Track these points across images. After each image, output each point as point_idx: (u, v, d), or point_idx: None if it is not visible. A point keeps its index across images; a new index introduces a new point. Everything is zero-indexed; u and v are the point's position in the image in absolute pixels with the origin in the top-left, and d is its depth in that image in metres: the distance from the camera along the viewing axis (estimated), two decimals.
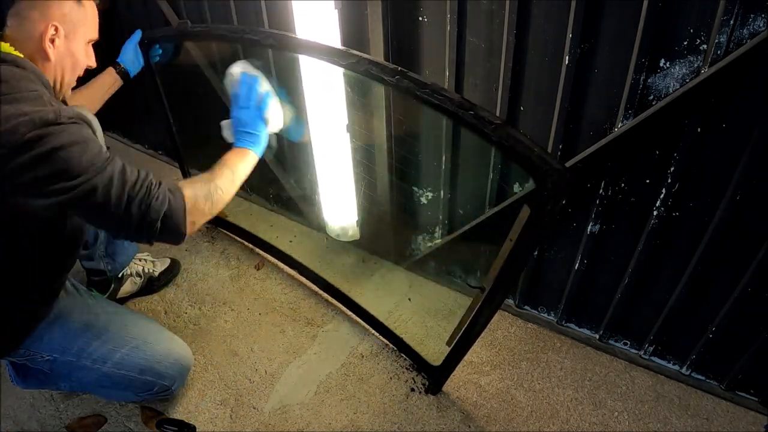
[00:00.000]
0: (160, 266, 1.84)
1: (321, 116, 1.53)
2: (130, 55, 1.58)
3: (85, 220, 1.04)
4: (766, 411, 1.37)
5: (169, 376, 1.35)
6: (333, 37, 1.37)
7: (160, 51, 1.67)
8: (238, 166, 1.21)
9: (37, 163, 0.89)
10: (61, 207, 0.94)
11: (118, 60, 1.58)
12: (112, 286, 1.73)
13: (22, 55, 1.02)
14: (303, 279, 1.85)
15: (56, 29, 1.08)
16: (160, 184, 1.03)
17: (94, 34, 1.20)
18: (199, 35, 1.52)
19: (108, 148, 1.08)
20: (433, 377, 1.48)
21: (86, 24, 1.16)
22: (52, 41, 1.08)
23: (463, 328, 1.29)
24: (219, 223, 2.11)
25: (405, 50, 1.38)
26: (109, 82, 1.57)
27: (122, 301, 1.78)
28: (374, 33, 1.35)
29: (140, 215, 0.97)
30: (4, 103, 0.91)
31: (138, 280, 1.78)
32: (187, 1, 1.87)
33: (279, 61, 1.71)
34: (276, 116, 1.33)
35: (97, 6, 1.21)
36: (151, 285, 1.82)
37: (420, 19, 1.31)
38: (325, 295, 1.79)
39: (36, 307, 1.18)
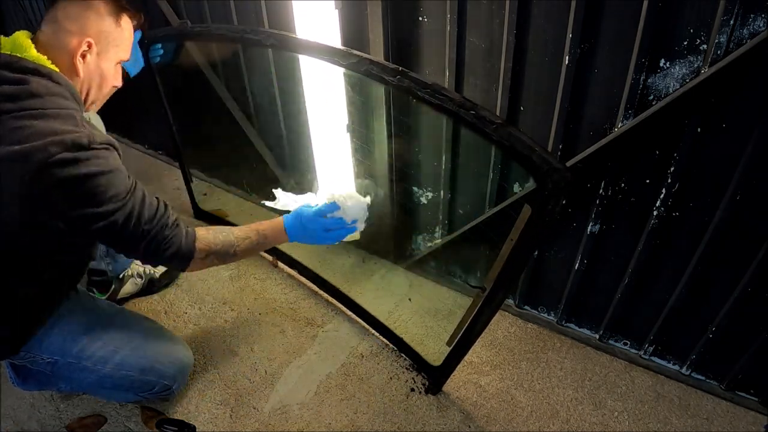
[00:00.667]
0: (161, 268, 1.84)
1: (321, 116, 1.53)
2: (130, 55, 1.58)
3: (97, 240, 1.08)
4: (766, 411, 1.37)
5: (170, 375, 1.35)
6: (333, 37, 1.37)
7: (161, 51, 1.66)
8: (268, 240, 1.22)
9: (63, 186, 0.90)
10: (78, 229, 0.96)
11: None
12: (113, 286, 1.73)
13: (56, 68, 0.99)
14: (303, 279, 1.85)
15: (89, 45, 1.05)
16: (176, 224, 1.07)
17: (126, 54, 1.16)
18: (199, 35, 1.52)
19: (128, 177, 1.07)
20: (434, 377, 1.48)
21: (120, 44, 1.13)
22: (84, 57, 1.05)
23: (464, 328, 1.29)
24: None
25: (405, 50, 1.38)
26: None
27: (122, 301, 1.78)
28: (374, 33, 1.35)
29: (150, 251, 1.04)
30: (36, 119, 0.90)
31: (139, 281, 1.78)
32: (187, 1, 1.87)
33: (278, 61, 1.71)
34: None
35: (135, 27, 1.18)
36: (152, 286, 1.82)
37: (420, 19, 1.31)
38: (325, 294, 1.79)
39: (38, 315, 1.18)
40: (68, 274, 1.23)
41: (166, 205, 1.07)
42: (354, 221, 1.24)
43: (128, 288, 1.76)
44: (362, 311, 1.65)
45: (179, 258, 1.08)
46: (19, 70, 0.95)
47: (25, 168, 0.87)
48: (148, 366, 1.30)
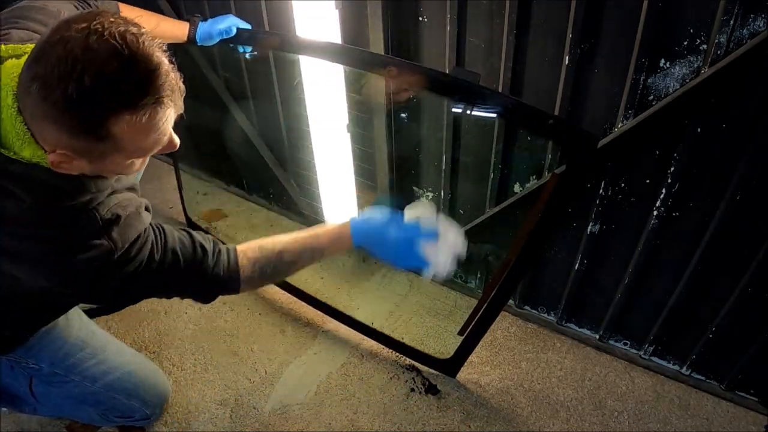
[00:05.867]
0: None
1: (321, 116, 1.53)
2: (210, 33, 1.32)
3: None
4: (766, 411, 1.37)
5: (153, 404, 1.34)
6: (333, 37, 1.37)
7: (249, 50, 1.46)
8: (325, 251, 1.01)
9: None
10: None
11: (198, 26, 1.31)
12: None
13: (45, 160, 0.72)
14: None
15: (66, 157, 0.70)
16: (214, 265, 0.93)
17: (152, 150, 0.76)
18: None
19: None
20: (446, 368, 1.49)
21: (127, 150, 0.72)
22: (60, 165, 0.72)
23: (483, 307, 1.28)
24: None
25: (405, 50, 1.38)
26: (174, 37, 1.32)
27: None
28: (374, 33, 1.35)
29: (198, 289, 0.97)
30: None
31: None
32: (187, 1, 1.87)
33: (279, 61, 1.71)
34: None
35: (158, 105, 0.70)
36: None
37: (420, 19, 1.31)
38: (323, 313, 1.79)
39: (40, 324, 1.13)
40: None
41: (202, 245, 0.93)
42: (436, 270, 0.94)
43: None
44: (359, 324, 1.63)
45: (226, 284, 0.96)
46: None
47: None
48: (135, 392, 1.29)
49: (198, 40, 1.33)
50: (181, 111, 0.74)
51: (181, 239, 0.92)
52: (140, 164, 0.80)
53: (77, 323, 1.23)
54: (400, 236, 0.96)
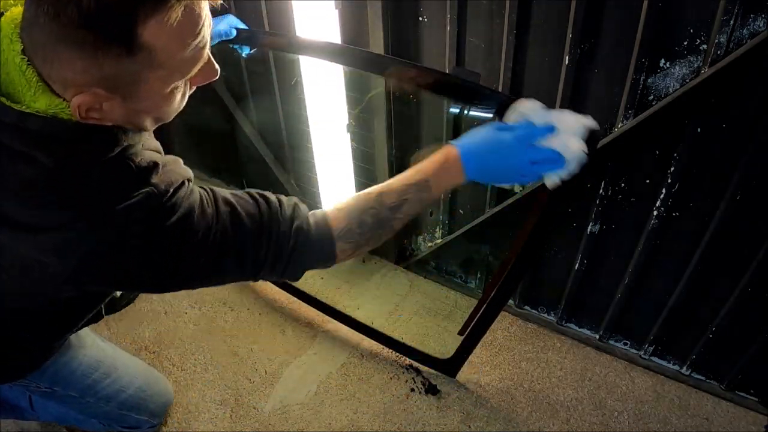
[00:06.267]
0: None
1: (321, 116, 1.54)
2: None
3: None
4: (766, 411, 1.37)
5: (158, 414, 1.35)
6: (333, 37, 1.37)
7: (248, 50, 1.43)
8: (432, 190, 0.82)
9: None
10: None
11: None
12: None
13: (69, 114, 0.63)
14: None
15: (94, 98, 0.61)
16: (292, 216, 0.77)
17: (192, 67, 0.66)
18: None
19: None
20: (446, 368, 1.49)
21: (164, 66, 0.62)
22: (92, 109, 0.63)
23: (483, 307, 1.28)
24: None
25: (405, 50, 1.38)
26: None
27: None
28: (374, 33, 1.35)
29: (277, 267, 0.78)
30: None
31: None
32: None
33: (279, 61, 1.71)
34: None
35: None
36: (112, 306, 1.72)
37: (420, 19, 1.31)
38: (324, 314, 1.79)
39: (55, 347, 1.08)
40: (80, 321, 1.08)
41: (259, 197, 0.77)
42: (571, 157, 0.79)
43: None
44: (359, 324, 1.63)
45: (314, 241, 0.79)
46: None
47: None
48: (145, 407, 1.29)
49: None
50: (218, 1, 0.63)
51: (235, 193, 0.77)
52: (180, 98, 0.70)
53: (89, 340, 1.20)
54: (520, 159, 0.78)
